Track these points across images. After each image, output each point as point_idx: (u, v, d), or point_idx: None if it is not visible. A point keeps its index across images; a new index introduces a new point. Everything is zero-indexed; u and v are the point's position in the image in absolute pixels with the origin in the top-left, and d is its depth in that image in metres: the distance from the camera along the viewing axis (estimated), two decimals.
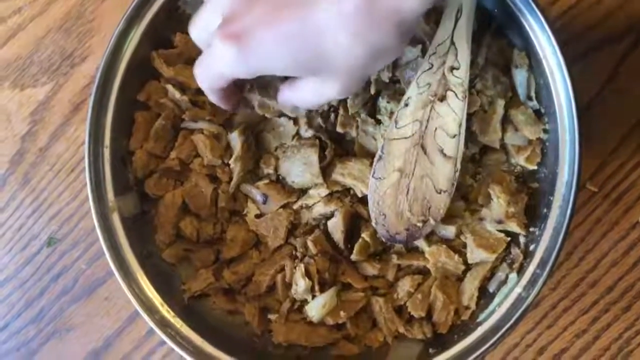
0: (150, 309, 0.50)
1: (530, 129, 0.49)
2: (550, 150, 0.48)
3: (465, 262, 0.50)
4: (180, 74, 0.54)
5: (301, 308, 0.52)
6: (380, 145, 0.48)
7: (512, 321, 0.46)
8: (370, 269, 0.51)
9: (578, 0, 0.55)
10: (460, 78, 0.46)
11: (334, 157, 0.52)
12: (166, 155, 0.54)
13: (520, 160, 0.50)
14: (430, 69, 0.46)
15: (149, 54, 0.54)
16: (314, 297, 0.51)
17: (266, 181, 0.54)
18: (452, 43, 0.46)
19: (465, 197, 0.51)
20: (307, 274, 0.50)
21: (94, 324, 0.60)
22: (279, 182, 0.54)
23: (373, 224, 0.49)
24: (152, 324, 0.49)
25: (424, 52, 0.50)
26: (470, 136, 0.49)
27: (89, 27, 0.63)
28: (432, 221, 0.48)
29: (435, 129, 0.47)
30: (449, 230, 0.50)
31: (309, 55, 0.35)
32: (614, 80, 0.54)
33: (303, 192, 0.53)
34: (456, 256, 0.50)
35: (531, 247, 0.47)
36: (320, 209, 0.52)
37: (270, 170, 0.54)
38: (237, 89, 0.47)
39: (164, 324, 0.50)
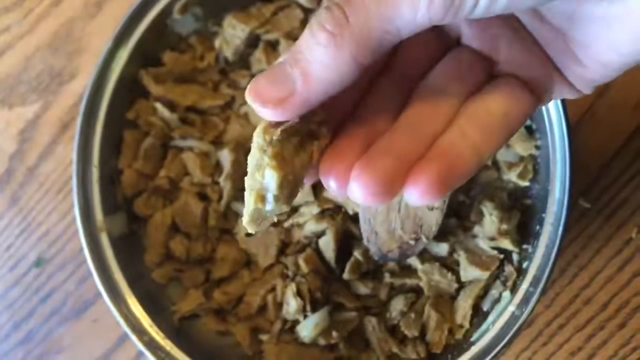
0: (140, 331, 0.49)
1: (522, 145, 0.49)
2: (542, 166, 0.48)
3: (458, 280, 0.50)
4: (170, 92, 0.54)
5: (293, 328, 0.51)
6: None
7: (506, 340, 0.45)
8: (363, 288, 0.51)
9: None
10: None
11: None
12: (155, 174, 0.54)
13: (512, 177, 0.49)
14: None
15: (138, 72, 0.54)
16: (305, 317, 0.50)
17: None
18: None
19: (458, 214, 0.51)
20: (299, 293, 0.50)
21: (83, 346, 0.59)
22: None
23: (365, 242, 0.48)
24: (141, 346, 0.48)
25: None
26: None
27: (77, 46, 0.63)
28: (424, 239, 0.47)
29: None
30: (442, 248, 0.50)
31: None
32: (606, 95, 0.54)
33: (294, 210, 0.53)
34: (449, 274, 0.49)
35: (524, 265, 0.47)
36: (311, 227, 0.52)
37: None
38: None
39: (153, 346, 0.49)
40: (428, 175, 0.25)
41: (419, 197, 0.25)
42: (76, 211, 0.50)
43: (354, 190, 0.25)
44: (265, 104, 0.26)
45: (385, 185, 0.25)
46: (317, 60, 0.25)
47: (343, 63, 0.24)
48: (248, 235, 0.53)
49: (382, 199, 0.25)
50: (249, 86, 0.26)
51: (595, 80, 0.29)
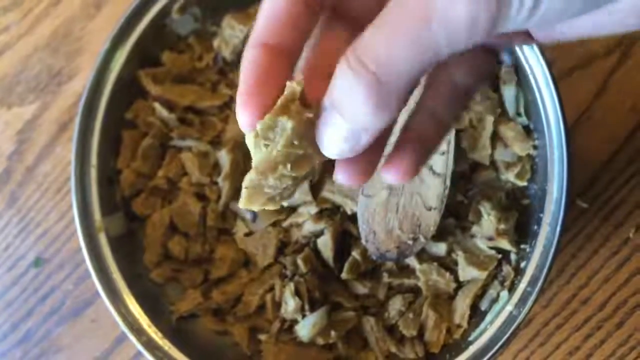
0: (138, 331, 0.49)
1: (519, 145, 0.49)
2: (540, 166, 0.48)
3: (456, 279, 0.50)
4: (168, 92, 0.54)
5: (291, 328, 0.51)
6: None
7: (503, 339, 0.45)
8: (361, 288, 0.51)
9: None
10: None
11: (324, 174, 0.52)
12: (154, 174, 0.54)
13: (510, 177, 0.49)
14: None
15: (137, 72, 0.54)
16: (304, 316, 0.50)
17: None
18: None
19: (456, 214, 0.51)
20: (297, 293, 0.50)
21: (82, 345, 0.59)
22: None
23: (363, 241, 0.48)
24: (139, 346, 0.48)
25: None
26: (460, 153, 0.49)
27: (76, 46, 0.63)
28: (422, 239, 0.48)
29: None
30: (440, 248, 0.50)
31: None
32: (603, 95, 0.54)
33: (292, 209, 0.53)
34: (447, 274, 0.49)
35: (522, 265, 0.47)
36: (309, 226, 0.52)
37: None
38: None
39: (152, 346, 0.49)
40: (406, 164, 0.28)
41: (397, 180, 0.28)
42: (74, 211, 0.50)
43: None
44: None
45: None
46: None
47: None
48: (247, 235, 0.53)
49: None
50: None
51: (559, 39, 0.29)
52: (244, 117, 0.27)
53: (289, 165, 0.27)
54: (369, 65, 0.23)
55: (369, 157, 0.28)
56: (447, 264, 0.50)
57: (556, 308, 0.53)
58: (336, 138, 0.25)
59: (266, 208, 0.28)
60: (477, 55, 0.29)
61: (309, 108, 0.26)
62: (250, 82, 0.27)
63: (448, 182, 0.47)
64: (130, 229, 0.54)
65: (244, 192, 0.27)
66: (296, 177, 0.27)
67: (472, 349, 0.47)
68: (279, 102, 0.26)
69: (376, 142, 0.26)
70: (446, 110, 0.30)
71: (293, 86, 0.26)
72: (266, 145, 0.27)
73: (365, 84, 0.23)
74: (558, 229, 0.44)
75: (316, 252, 0.52)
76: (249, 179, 0.27)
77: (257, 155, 0.27)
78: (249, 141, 0.27)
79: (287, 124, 0.26)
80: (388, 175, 0.29)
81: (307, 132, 0.26)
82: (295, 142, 0.26)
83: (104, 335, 0.59)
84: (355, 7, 0.29)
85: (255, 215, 0.53)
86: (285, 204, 0.29)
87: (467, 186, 0.51)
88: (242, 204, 0.28)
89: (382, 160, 0.29)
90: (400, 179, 0.28)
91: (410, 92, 0.24)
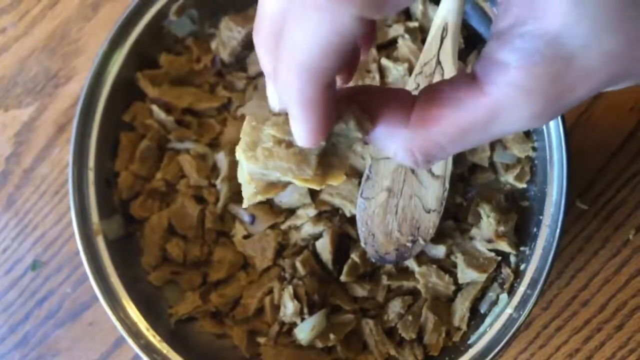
0: (136, 334, 0.49)
1: (519, 147, 0.49)
2: (540, 168, 0.48)
3: (455, 282, 0.50)
4: (166, 94, 0.54)
5: (290, 331, 0.51)
6: (368, 164, 0.48)
7: (503, 342, 0.45)
8: (360, 290, 0.51)
9: None
10: None
11: None
12: (152, 176, 0.54)
13: (509, 179, 0.49)
14: (416, 88, 0.46)
15: (134, 74, 0.54)
16: (303, 319, 0.50)
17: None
18: (438, 63, 0.46)
19: (455, 217, 0.51)
20: (296, 296, 0.50)
21: (80, 349, 0.59)
22: (266, 202, 0.53)
23: (362, 244, 0.48)
24: (137, 350, 0.48)
25: (410, 71, 0.50)
26: (459, 155, 0.49)
27: (74, 48, 0.62)
28: (421, 241, 0.47)
29: None
30: (439, 250, 0.50)
31: None
32: (603, 96, 0.54)
33: (291, 212, 0.53)
34: (447, 276, 0.49)
35: (522, 267, 0.47)
36: (308, 229, 0.51)
37: None
38: None
39: (150, 349, 0.49)
40: None
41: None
42: (72, 214, 0.50)
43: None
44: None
45: None
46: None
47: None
48: (245, 237, 0.53)
49: None
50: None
51: None
52: (311, 140, 0.27)
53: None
54: (432, 161, 0.27)
55: None
56: (447, 267, 0.50)
57: (556, 310, 0.52)
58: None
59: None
60: None
61: None
62: (322, 118, 0.26)
63: (447, 184, 0.47)
64: (128, 232, 0.53)
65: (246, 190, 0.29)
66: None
67: (471, 352, 0.46)
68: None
69: None
70: None
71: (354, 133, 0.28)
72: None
73: (417, 166, 0.28)
74: (558, 230, 0.44)
75: (315, 254, 0.52)
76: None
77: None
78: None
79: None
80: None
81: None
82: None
83: (102, 338, 0.58)
84: None
85: (253, 217, 0.53)
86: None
87: (466, 188, 0.51)
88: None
89: None
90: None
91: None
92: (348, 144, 0.28)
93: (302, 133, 0.26)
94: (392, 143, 0.27)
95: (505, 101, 0.24)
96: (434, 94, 0.26)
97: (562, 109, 0.25)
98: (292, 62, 0.24)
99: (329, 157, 0.28)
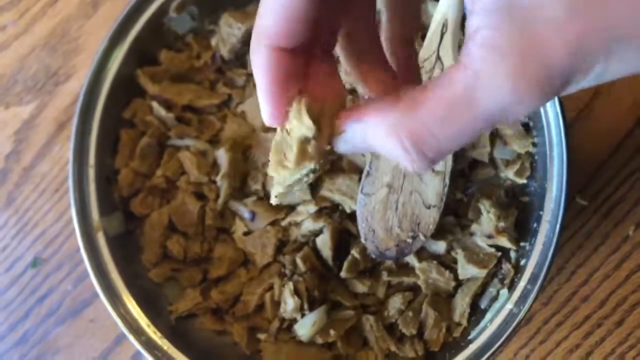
0: (137, 331, 0.49)
1: (519, 142, 0.49)
2: (540, 164, 0.48)
3: (456, 278, 0.50)
4: (166, 91, 0.54)
5: (290, 327, 0.51)
6: (368, 160, 0.48)
7: (503, 337, 0.45)
8: (360, 287, 0.51)
9: None
10: None
11: (322, 172, 0.52)
12: (152, 173, 0.54)
13: (509, 174, 0.49)
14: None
15: (134, 71, 0.54)
16: (303, 315, 0.50)
17: (254, 198, 0.53)
18: (438, 58, 0.46)
19: (455, 212, 0.51)
20: (296, 292, 0.50)
21: (81, 346, 0.59)
22: (266, 198, 0.53)
23: (362, 240, 0.48)
24: (138, 346, 0.48)
25: None
26: (459, 151, 0.49)
27: (74, 45, 0.63)
28: (421, 237, 0.47)
29: None
30: (439, 246, 0.50)
31: None
32: (603, 92, 0.54)
33: (291, 208, 0.53)
34: (447, 272, 0.49)
35: (522, 262, 0.47)
36: (308, 225, 0.51)
37: (258, 187, 0.53)
38: None
39: (151, 346, 0.49)
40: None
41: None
42: (72, 211, 0.50)
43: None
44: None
45: None
46: None
47: None
48: (245, 234, 0.53)
49: None
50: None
51: None
52: (267, 114, 0.28)
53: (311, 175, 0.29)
54: (425, 150, 0.25)
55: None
56: (447, 262, 0.50)
57: (556, 306, 0.52)
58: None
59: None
60: None
61: (319, 130, 0.27)
62: (270, 83, 0.27)
63: (447, 180, 0.47)
64: (129, 229, 0.54)
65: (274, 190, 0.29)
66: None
67: (472, 347, 0.46)
68: (295, 150, 0.27)
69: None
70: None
71: (299, 126, 0.27)
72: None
73: (417, 160, 0.25)
74: (558, 226, 0.44)
75: (315, 250, 0.52)
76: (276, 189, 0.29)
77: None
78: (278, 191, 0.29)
79: (310, 167, 0.27)
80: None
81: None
82: (318, 168, 0.28)
83: (103, 335, 0.58)
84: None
85: (253, 214, 0.53)
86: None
87: (466, 184, 0.51)
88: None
89: None
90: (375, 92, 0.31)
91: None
92: (299, 143, 0.27)
93: (260, 103, 0.28)
94: (379, 132, 0.26)
95: (482, 68, 0.23)
96: (424, 84, 0.26)
97: (547, 74, 0.23)
98: (255, 29, 0.27)
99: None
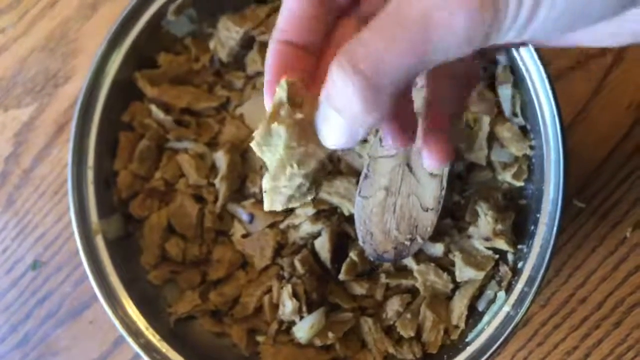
0: (136, 333, 0.49)
1: (516, 145, 0.49)
2: (537, 166, 0.48)
3: (454, 280, 0.50)
4: (164, 94, 0.54)
5: (289, 329, 0.51)
6: (366, 163, 0.48)
7: (501, 340, 0.45)
8: (359, 289, 0.51)
9: None
10: None
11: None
12: (151, 175, 0.54)
13: (507, 177, 0.49)
14: (414, 86, 0.46)
15: (133, 74, 0.54)
16: (301, 318, 0.50)
17: (252, 200, 0.53)
18: None
19: (453, 215, 0.51)
20: (295, 294, 0.50)
21: (80, 348, 0.59)
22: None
23: (360, 242, 0.48)
24: (137, 349, 0.48)
25: None
26: (457, 153, 0.49)
27: (73, 48, 0.63)
28: (419, 239, 0.48)
29: None
30: (437, 248, 0.50)
31: None
32: (599, 95, 0.54)
33: (290, 211, 0.53)
34: (445, 274, 0.50)
35: (519, 265, 0.47)
36: (307, 228, 0.52)
37: (257, 189, 0.53)
38: None
39: (150, 348, 0.49)
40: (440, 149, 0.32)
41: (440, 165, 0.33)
42: (72, 214, 0.50)
43: None
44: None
45: None
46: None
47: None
48: (244, 236, 0.53)
49: None
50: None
51: (553, 46, 0.30)
52: (265, 102, 0.29)
53: (295, 164, 0.27)
54: (363, 68, 0.23)
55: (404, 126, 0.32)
56: (445, 265, 0.50)
57: (554, 308, 0.53)
58: (334, 131, 0.26)
59: (290, 206, 0.29)
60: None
61: (299, 108, 0.27)
62: (273, 71, 0.29)
63: (445, 183, 0.47)
64: (128, 231, 0.54)
65: (264, 196, 0.29)
66: (306, 173, 0.28)
67: (469, 350, 0.47)
68: (270, 108, 0.27)
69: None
70: (453, 100, 0.33)
71: (279, 92, 0.27)
72: (270, 151, 0.27)
73: (357, 85, 0.23)
74: (555, 228, 0.44)
75: (313, 253, 0.52)
76: (265, 182, 0.28)
77: (267, 160, 0.28)
78: (255, 149, 0.28)
79: (279, 129, 0.26)
80: (431, 161, 0.33)
81: (305, 130, 0.27)
82: (294, 144, 0.27)
83: (102, 337, 0.59)
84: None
85: (252, 216, 0.53)
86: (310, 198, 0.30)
87: (463, 187, 0.51)
88: (266, 207, 0.29)
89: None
90: (442, 163, 0.33)
91: (403, 92, 0.24)
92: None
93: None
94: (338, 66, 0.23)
95: None
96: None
97: None
98: None
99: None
